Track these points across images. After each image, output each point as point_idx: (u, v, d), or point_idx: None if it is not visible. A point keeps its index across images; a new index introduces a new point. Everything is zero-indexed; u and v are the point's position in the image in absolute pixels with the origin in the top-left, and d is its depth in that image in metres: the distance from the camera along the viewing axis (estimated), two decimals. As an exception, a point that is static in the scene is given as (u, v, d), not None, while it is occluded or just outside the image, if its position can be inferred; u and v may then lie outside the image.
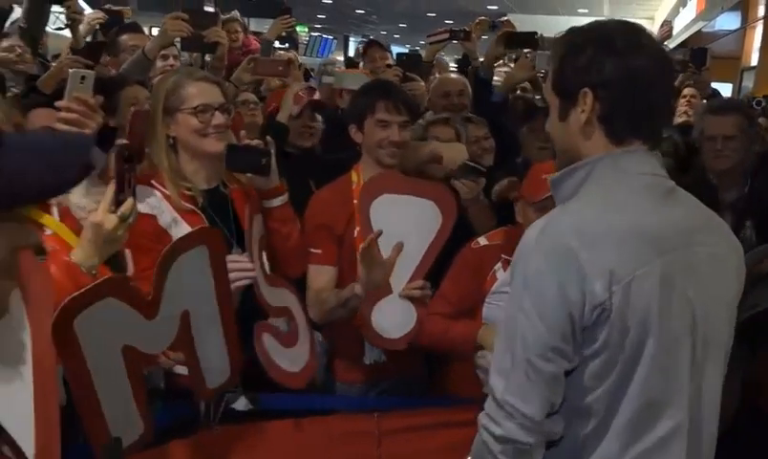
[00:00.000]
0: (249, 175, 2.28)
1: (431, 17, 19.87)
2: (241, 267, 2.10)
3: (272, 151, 2.25)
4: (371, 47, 4.74)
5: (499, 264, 2.36)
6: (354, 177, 2.56)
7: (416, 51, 5.41)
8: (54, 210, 1.88)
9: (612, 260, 1.33)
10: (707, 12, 12.24)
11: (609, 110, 1.40)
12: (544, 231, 1.38)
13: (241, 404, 2.17)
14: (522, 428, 1.36)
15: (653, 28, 14.03)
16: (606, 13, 17.24)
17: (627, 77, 1.38)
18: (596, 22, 1.48)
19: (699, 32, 12.77)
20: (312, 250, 2.47)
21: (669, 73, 1.53)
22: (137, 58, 3.23)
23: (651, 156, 1.45)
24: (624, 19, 1.51)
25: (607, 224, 1.36)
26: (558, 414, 1.40)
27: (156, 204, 2.14)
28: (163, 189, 2.16)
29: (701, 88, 4.40)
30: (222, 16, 5.23)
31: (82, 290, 1.64)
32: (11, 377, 1.55)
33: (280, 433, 2.24)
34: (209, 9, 7.68)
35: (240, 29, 5.35)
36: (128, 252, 2.00)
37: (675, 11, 15.39)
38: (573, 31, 1.47)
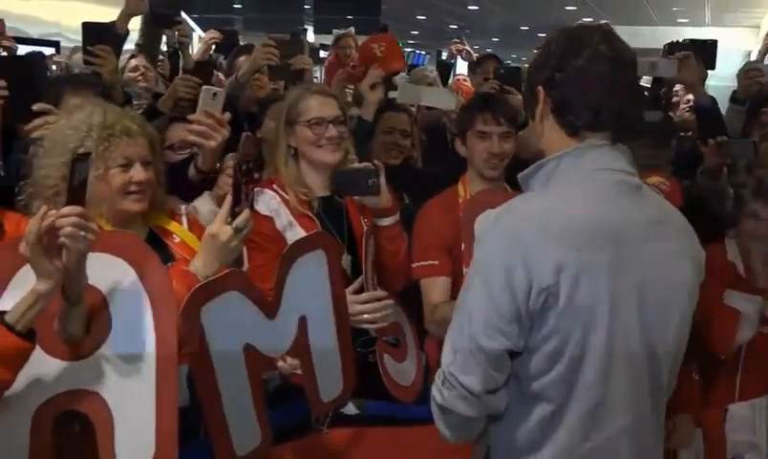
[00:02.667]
0: (358, 197, 2.34)
1: (524, 31, 19.71)
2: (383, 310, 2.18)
3: (381, 171, 2.29)
4: (488, 60, 4.75)
5: None
6: (461, 190, 2.60)
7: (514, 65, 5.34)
8: (184, 220, 1.99)
9: (561, 249, 1.39)
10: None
11: (559, 104, 1.48)
12: (498, 218, 1.48)
13: (349, 409, 2.20)
14: (461, 399, 1.45)
15: (759, 37, 13.42)
16: (707, 22, 16.63)
17: (575, 74, 1.46)
18: (566, 26, 1.57)
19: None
20: (426, 262, 2.48)
21: (628, 73, 1.52)
22: (230, 83, 3.43)
23: (617, 151, 1.49)
24: (603, 26, 1.59)
25: (560, 214, 1.43)
26: (502, 391, 1.48)
27: (274, 207, 2.26)
28: (283, 194, 2.29)
29: None
30: (338, 32, 5.40)
31: (208, 282, 1.70)
32: (136, 374, 1.64)
33: (385, 440, 2.26)
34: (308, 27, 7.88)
35: (353, 44, 5.50)
36: (244, 250, 2.08)
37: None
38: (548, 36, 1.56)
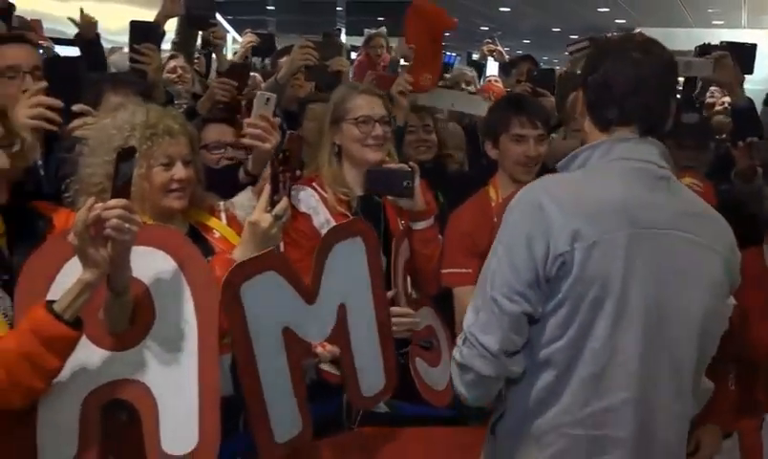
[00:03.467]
0: (392, 198, 2.35)
1: (556, 33, 19.58)
2: (407, 321, 2.21)
3: (416, 173, 2.30)
4: (523, 61, 4.76)
5: None
6: (492, 193, 2.57)
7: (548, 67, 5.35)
8: (223, 216, 2.04)
9: (579, 221, 1.50)
10: None
11: (591, 103, 1.65)
12: (526, 190, 1.61)
13: (380, 407, 2.21)
14: (480, 358, 1.54)
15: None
16: (744, 25, 16.39)
17: (604, 74, 1.61)
18: (609, 36, 1.79)
19: None
20: (460, 270, 2.43)
21: (660, 73, 1.63)
22: (269, 85, 3.48)
23: (647, 144, 1.61)
24: (644, 34, 1.78)
25: (582, 191, 1.56)
26: (519, 354, 1.56)
27: (313, 204, 2.29)
28: (322, 192, 2.32)
29: None
30: (369, 31, 5.44)
31: (247, 259, 1.73)
32: (179, 364, 1.68)
33: (414, 439, 2.26)
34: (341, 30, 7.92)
35: (384, 44, 5.55)
36: (281, 245, 2.09)
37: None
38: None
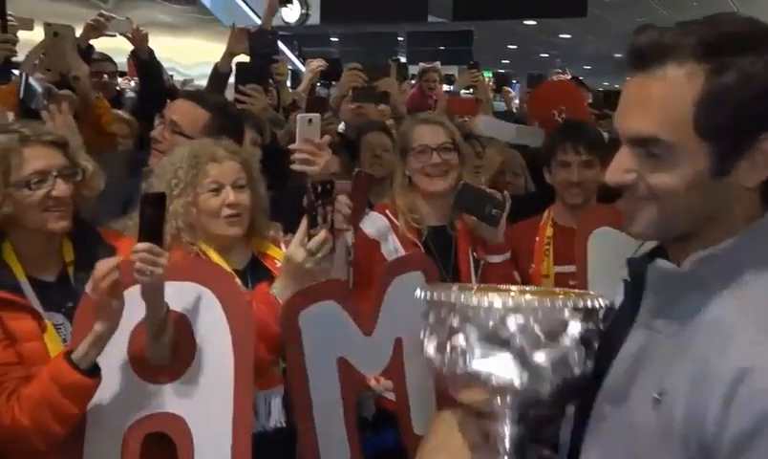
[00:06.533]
0: (474, 219, 2.34)
1: (617, 58, 19.34)
2: None
3: (507, 206, 2.30)
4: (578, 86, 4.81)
5: None
6: (546, 214, 2.68)
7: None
8: (283, 246, 2.04)
9: None
10: None
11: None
12: None
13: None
14: None
15: None
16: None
17: None
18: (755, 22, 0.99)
19: None
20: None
21: None
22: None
23: None
24: None
25: None
26: None
27: (383, 232, 2.33)
28: (393, 219, 2.36)
29: None
30: (424, 65, 5.49)
31: (308, 287, 1.74)
32: (215, 399, 1.70)
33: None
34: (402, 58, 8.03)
35: (437, 78, 5.58)
36: (350, 270, 2.13)
37: None
38: (729, 34, 0.96)
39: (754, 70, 0.93)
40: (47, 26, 2.96)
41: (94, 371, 1.62)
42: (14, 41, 3.14)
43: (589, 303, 1.02)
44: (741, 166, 0.96)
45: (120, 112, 3.53)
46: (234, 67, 3.39)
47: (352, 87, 3.80)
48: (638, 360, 1.02)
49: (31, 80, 2.39)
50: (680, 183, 0.97)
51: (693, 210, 0.99)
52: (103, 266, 1.57)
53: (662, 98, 0.96)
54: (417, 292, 1.06)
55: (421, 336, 1.10)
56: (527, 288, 1.24)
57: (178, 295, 1.71)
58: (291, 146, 2.18)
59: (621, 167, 1.01)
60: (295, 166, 2.14)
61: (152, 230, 1.62)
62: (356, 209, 2.16)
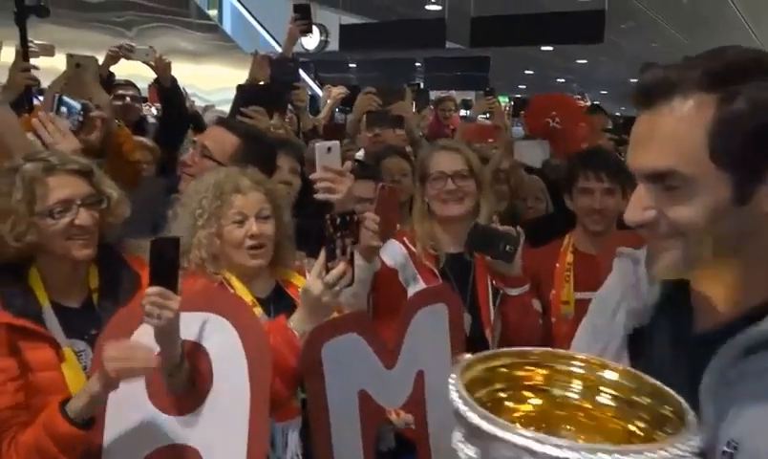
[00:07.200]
0: (489, 259, 2.33)
1: (633, 83, 19.34)
2: None
3: (521, 241, 2.29)
4: (596, 112, 4.81)
5: None
6: (566, 240, 2.69)
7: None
8: (308, 274, 2.03)
9: None
10: None
11: None
12: None
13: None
14: None
15: None
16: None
17: None
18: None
19: None
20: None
21: None
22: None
23: None
24: None
25: None
26: None
27: (401, 260, 2.32)
28: (411, 247, 2.35)
29: None
30: (439, 94, 5.53)
31: (332, 319, 1.74)
32: (230, 431, 1.69)
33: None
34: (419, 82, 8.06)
35: (452, 107, 5.62)
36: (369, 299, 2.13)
37: None
38: (735, 63, 0.96)
39: (763, 95, 0.93)
40: (69, 57, 3.00)
41: (87, 423, 1.64)
42: (35, 71, 3.18)
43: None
44: (762, 191, 0.95)
45: (143, 139, 3.55)
46: (236, 89, 3.38)
47: (366, 111, 3.80)
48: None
49: (65, 98, 2.38)
50: (701, 214, 0.96)
51: (717, 242, 0.97)
52: (113, 351, 1.60)
53: (673, 131, 0.96)
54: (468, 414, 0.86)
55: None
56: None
57: (196, 325, 1.72)
58: (312, 176, 2.17)
59: (639, 206, 1.00)
60: (319, 196, 2.12)
61: (164, 274, 1.62)
62: (385, 222, 2.16)
